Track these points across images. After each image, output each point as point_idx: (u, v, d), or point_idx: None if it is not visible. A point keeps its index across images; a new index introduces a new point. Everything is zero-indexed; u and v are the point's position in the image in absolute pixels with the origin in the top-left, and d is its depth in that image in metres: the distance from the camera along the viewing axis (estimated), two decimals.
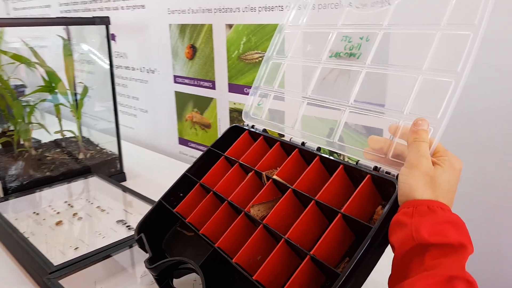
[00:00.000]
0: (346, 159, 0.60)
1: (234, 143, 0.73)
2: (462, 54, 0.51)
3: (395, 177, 0.52)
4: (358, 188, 0.53)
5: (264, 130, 0.72)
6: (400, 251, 0.46)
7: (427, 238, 0.43)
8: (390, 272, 0.48)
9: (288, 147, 0.67)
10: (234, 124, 0.76)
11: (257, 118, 0.75)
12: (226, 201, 0.64)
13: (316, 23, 0.74)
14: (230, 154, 0.72)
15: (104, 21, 1.13)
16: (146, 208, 0.89)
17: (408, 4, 0.62)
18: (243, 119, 0.77)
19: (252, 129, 0.73)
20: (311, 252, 0.50)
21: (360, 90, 0.61)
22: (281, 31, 0.77)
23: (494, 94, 0.75)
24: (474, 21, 0.51)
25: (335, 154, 0.61)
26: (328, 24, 0.70)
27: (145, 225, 0.71)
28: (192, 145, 1.39)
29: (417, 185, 0.47)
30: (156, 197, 0.74)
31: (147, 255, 0.65)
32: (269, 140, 0.70)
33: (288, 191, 0.59)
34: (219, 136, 0.76)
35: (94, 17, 1.12)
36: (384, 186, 0.54)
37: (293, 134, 0.67)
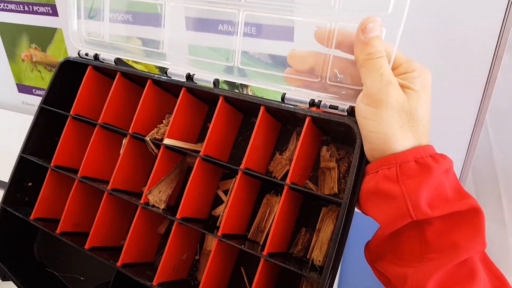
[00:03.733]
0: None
1: (78, 92, 0.46)
2: None
3: (346, 113, 0.36)
4: (300, 144, 0.36)
5: (119, 61, 0.46)
6: (389, 229, 0.34)
7: (429, 213, 0.31)
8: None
9: (168, 86, 0.44)
10: (65, 58, 0.48)
11: (97, 40, 0.47)
12: (106, 193, 0.43)
13: None
14: (78, 111, 0.46)
15: None
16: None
17: None
18: (74, 44, 0.49)
19: (98, 62, 0.47)
20: (264, 253, 0.36)
21: None
22: None
23: None
24: None
25: (240, 89, 0.42)
26: None
27: None
28: (39, 92, 1.02)
29: (393, 131, 0.32)
30: (9, 168, 0.49)
31: None
32: (133, 77, 0.45)
33: (197, 161, 0.40)
34: None
35: None
36: (324, 122, 0.38)
37: (170, 61, 0.43)
